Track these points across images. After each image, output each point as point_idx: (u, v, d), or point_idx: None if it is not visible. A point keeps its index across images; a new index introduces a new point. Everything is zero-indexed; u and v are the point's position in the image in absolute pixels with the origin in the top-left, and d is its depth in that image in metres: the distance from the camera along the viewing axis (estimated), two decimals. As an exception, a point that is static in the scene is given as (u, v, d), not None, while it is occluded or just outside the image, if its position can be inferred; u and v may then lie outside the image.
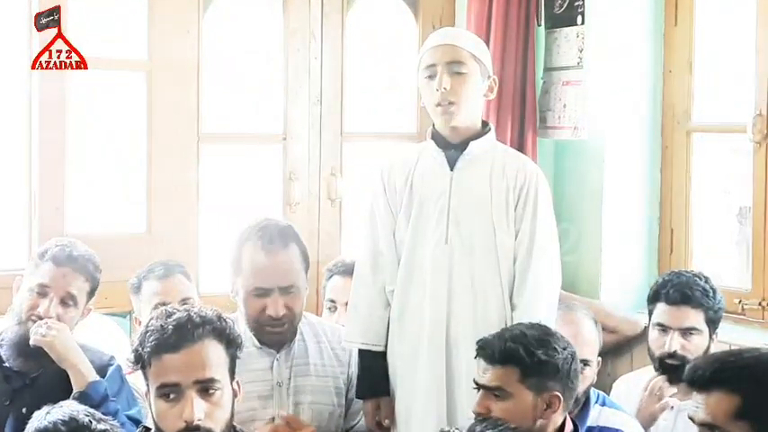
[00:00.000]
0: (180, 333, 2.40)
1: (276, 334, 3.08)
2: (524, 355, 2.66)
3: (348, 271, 3.46)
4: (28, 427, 2.51)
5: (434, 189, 3.04)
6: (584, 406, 3.14)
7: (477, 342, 2.75)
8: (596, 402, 3.19)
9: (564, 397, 2.72)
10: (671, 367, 3.30)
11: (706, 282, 3.37)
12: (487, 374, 2.68)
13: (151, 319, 2.47)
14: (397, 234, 3.07)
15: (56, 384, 3.00)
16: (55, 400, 2.76)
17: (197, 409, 2.36)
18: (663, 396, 3.28)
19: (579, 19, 4.33)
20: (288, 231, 3.13)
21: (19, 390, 3.04)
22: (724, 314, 3.49)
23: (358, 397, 3.12)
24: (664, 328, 3.34)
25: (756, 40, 3.94)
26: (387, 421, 3.05)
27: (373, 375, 3.06)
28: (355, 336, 3.09)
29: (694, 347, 3.29)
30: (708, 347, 3.32)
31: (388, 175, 3.11)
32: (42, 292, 3.09)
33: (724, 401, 2.19)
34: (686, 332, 3.30)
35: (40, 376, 3.06)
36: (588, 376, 3.15)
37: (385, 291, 3.08)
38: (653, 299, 3.42)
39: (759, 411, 2.16)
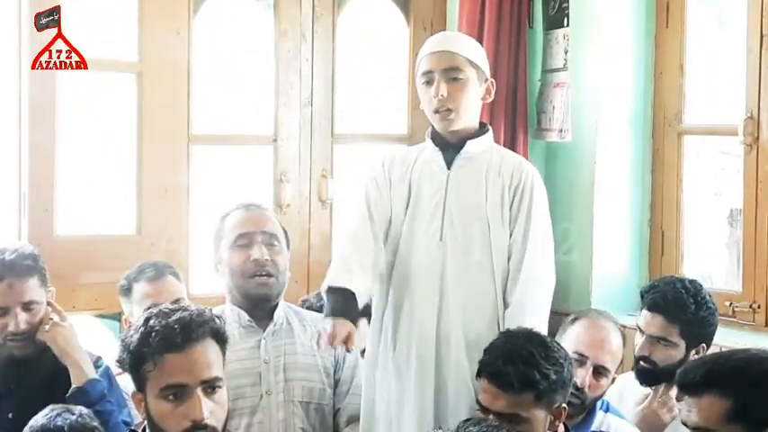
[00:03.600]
0: (185, 332, 2.39)
1: (263, 285, 3.13)
2: (540, 379, 2.64)
3: None
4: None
5: (430, 187, 3.06)
6: (589, 412, 3.13)
7: (486, 368, 2.70)
8: (600, 408, 3.18)
9: (566, 405, 2.73)
10: (642, 370, 3.26)
11: (693, 295, 3.24)
12: (500, 401, 2.65)
13: (149, 318, 2.44)
14: (393, 228, 3.06)
15: (41, 390, 2.99)
16: (41, 405, 2.78)
17: (205, 408, 2.36)
18: (672, 406, 3.22)
19: (565, 21, 4.34)
20: (258, 203, 3.31)
21: (4, 394, 3.02)
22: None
23: (326, 315, 2.95)
24: (641, 332, 3.33)
25: (747, 42, 3.95)
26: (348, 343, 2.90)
27: (343, 300, 2.92)
28: (331, 279, 2.97)
29: (665, 357, 3.21)
30: (683, 359, 3.20)
31: (390, 165, 3.12)
32: (1, 312, 3.04)
33: (716, 405, 2.19)
34: (657, 340, 3.24)
35: (25, 381, 3.04)
36: (603, 385, 3.12)
37: (376, 245, 3.03)
38: (641, 298, 3.40)
39: (751, 413, 2.16)
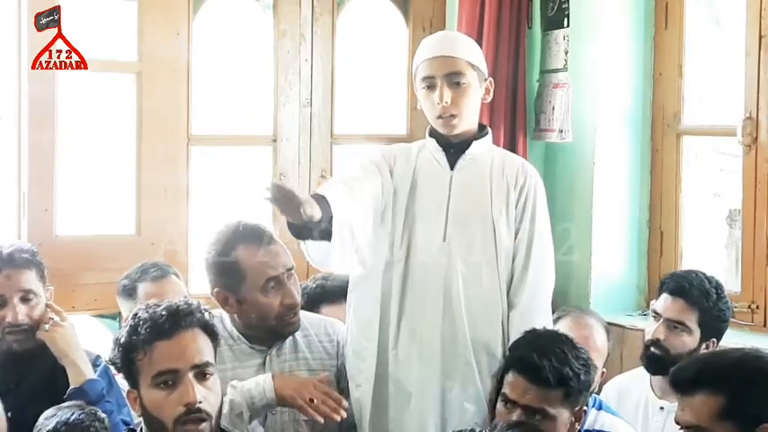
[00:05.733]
0: (173, 320, 2.41)
1: (293, 325, 3.04)
2: (572, 377, 2.66)
3: (335, 295, 3.42)
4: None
5: (433, 188, 3.04)
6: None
7: (519, 361, 2.70)
8: (593, 406, 3.19)
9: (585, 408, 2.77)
10: (653, 356, 3.28)
11: (715, 287, 3.30)
12: (531, 395, 2.65)
13: (136, 313, 2.46)
14: (392, 223, 3.04)
15: (42, 387, 2.99)
16: (41, 403, 2.80)
17: (198, 393, 2.38)
18: None
19: (565, 21, 4.35)
20: (262, 228, 3.10)
21: (4, 394, 3.01)
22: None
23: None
24: (656, 316, 3.34)
25: (746, 43, 3.96)
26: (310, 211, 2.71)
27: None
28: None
29: (679, 343, 3.25)
30: (695, 350, 3.25)
31: (392, 158, 3.09)
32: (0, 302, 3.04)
33: (708, 402, 2.20)
34: (674, 324, 3.27)
35: (25, 380, 3.04)
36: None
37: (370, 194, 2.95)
38: (660, 290, 3.40)
39: (743, 411, 2.17)
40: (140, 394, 2.44)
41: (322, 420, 2.84)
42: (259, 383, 2.83)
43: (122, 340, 2.44)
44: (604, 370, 3.24)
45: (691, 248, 4.31)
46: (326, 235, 2.80)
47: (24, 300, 3.05)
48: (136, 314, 2.46)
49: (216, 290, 3.03)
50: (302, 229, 2.77)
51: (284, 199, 2.65)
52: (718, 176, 4.58)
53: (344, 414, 2.86)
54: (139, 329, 2.41)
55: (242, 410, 2.75)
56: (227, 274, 3.00)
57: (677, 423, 2.27)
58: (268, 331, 3.04)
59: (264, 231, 3.08)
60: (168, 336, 2.40)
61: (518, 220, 3.02)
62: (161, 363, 2.39)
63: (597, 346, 3.19)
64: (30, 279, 3.06)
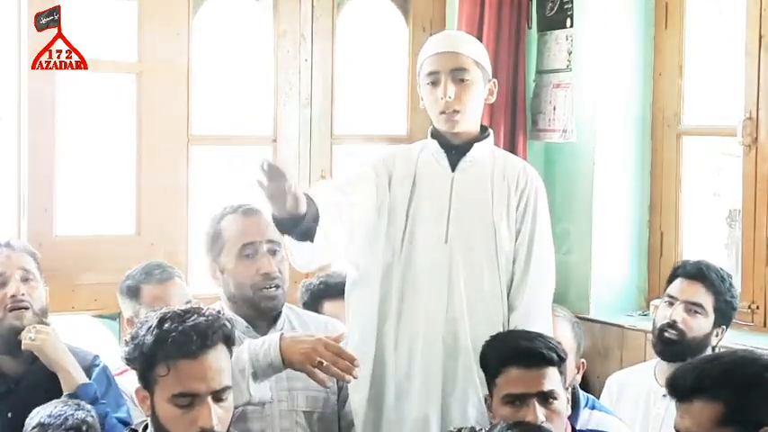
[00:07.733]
0: (201, 339, 2.38)
1: (272, 299, 3.03)
2: (561, 356, 2.71)
3: (338, 291, 3.38)
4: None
5: (434, 189, 3.04)
6: (572, 409, 3.13)
7: (511, 355, 2.70)
8: (586, 406, 3.19)
9: None
10: (668, 341, 3.32)
11: (728, 276, 3.41)
12: (543, 379, 2.66)
13: (163, 319, 2.40)
14: (393, 226, 3.04)
15: (41, 388, 2.98)
16: (41, 403, 2.80)
17: (214, 416, 2.37)
18: None
19: (568, 22, 4.35)
20: (255, 205, 3.13)
21: (3, 394, 3.02)
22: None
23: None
24: (671, 302, 3.37)
25: (746, 43, 3.96)
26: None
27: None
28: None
29: (696, 326, 3.31)
30: (709, 334, 3.33)
31: (392, 161, 3.09)
32: (1, 281, 3.05)
33: (707, 409, 2.19)
34: (691, 307, 3.32)
35: (24, 379, 3.04)
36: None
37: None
38: (671, 277, 3.45)
39: (743, 416, 2.16)
40: (153, 400, 2.42)
41: (329, 384, 2.83)
42: (266, 341, 2.80)
43: (145, 348, 2.39)
44: (584, 360, 3.24)
45: (691, 249, 4.31)
46: (308, 235, 2.82)
47: (24, 279, 3.06)
48: (162, 321, 2.40)
49: (209, 260, 3.10)
50: (286, 223, 2.79)
51: (275, 180, 2.72)
52: (717, 176, 4.58)
53: (357, 375, 2.79)
54: (165, 344, 2.37)
55: (245, 366, 2.73)
56: (213, 243, 3.08)
57: (677, 430, 2.26)
58: (249, 305, 3.04)
59: (255, 207, 3.10)
60: (194, 356, 2.37)
61: (518, 223, 3.02)
62: (183, 384, 2.37)
63: (560, 341, 3.20)
64: (29, 262, 3.10)
